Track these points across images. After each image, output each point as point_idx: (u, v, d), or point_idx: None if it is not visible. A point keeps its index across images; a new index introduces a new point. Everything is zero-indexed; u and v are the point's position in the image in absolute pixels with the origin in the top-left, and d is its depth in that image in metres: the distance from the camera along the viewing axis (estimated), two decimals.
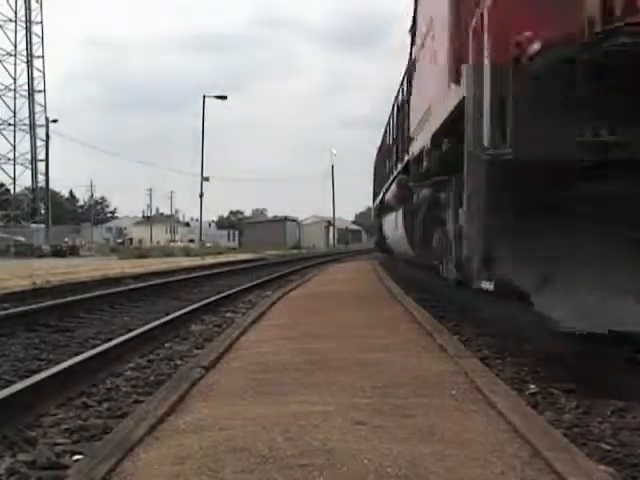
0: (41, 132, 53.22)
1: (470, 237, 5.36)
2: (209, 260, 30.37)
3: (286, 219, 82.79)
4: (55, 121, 50.74)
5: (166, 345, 7.06)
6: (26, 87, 55.37)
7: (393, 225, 15.43)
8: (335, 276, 17.99)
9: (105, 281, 15.63)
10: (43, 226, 51.22)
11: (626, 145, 4.39)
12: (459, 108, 5.41)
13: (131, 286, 13.93)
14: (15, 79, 55.43)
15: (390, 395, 3.90)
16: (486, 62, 4.68)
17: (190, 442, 3.04)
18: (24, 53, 55.55)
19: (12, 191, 57.11)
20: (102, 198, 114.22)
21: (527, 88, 4.48)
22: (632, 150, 4.36)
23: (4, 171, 55.44)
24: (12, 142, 55.37)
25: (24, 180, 57.54)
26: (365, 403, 3.70)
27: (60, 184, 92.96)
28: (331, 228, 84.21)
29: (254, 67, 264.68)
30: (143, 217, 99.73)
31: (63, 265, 24.56)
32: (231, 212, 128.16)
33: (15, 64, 55.38)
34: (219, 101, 50.65)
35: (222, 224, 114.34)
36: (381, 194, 17.93)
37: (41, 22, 56.27)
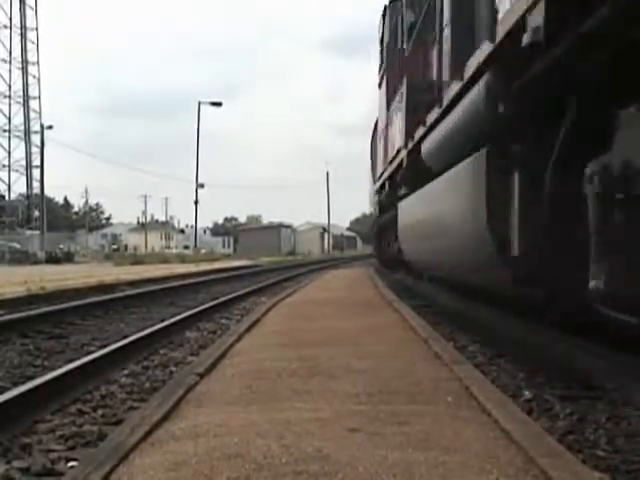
0: (36, 139, 53.34)
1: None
2: (204, 267, 30.35)
3: (281, 225, 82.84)
4: (50, 127, 50.86)
5: (161, 352, 7.06)
6: (21, 94, 55.40)
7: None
8: (330, 283, 17.99)
9: (100, 288, 15.61)
10: (38, 233, 51.19)
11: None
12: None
13: (126, 292, 13.93)
14: (10, 86, 55.49)
15: (385, 402, 3.90)
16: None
17: (185, 449, 3.04)
18: (19, 59, 55.60)
19: (7, 198, 57.08)
20: (97, 204, 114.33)
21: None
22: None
23: None
24: (7, 149, 55.40)
25: (19, 187, 57.60)
26: (360, 410, 3.70)
27: (55, 191, 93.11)
28: (326, 234, 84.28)
29: (252, 75, 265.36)
30: (138, 224, 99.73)
31: (58, 272, 24.53)
32: (226, 219, 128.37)
33: (10, 70, 55.46)
34: (216, 108, 50.79)
35: (217, 231, 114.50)
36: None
37: (36, 28, 56.38)
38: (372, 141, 23.25)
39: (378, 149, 16.94)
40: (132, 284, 17.37)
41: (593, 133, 4.33)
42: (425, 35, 9.10)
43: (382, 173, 15.15)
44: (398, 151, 11.13)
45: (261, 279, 21.29)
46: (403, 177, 11.22)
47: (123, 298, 12.68)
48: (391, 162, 12.62)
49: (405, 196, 10.80)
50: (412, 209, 9.85)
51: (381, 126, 15.74)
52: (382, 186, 15.46)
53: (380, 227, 19.59)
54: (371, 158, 23.79)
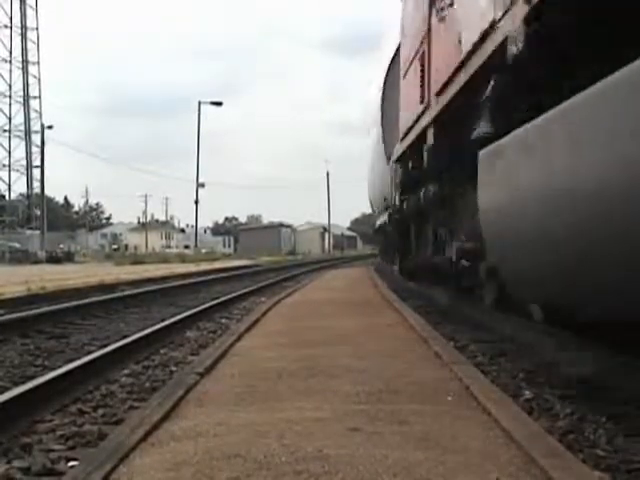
0: (36, 138, 53.34)
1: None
2: (204, 267, 30.35)
3: (281, 225, 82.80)
4: (50, 127, 50.82)
5: (161, 351, 7.05)
6: (21, 93, 55.41)
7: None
8: (330, 283, 17.99)
9: (100, 287, 15.61)
10: (38, 232, 51.19)
11: None
12: None
13: (126, 292, 13.93)
14: (10, 85, 55.49)
15: (385, 401, 3.90)
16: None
17: (185, 448, 3.04)
18: (20, 59, 55.61)
19: (7, 197, 57.10)
20: (97, 204, 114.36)
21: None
22: None
23: None
24: (7, 148, 55.42)
25: (19, 186, 57.67)
26: (360, 409, 3.71)
27: (55, 190, 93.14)
28: (326, 234, 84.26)
29: (252, 74, 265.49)
30: (138, 223, 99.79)
31: (58, 271, 24.54)
32: (226, 218, 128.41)
33: (10, 70, 55.47)
34: (217, 108, 50.89)
35: (217, 230, 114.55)
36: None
37: (36, 28, 56.37)
38: (384, 92, 15.93)
39: (405, 89, 9.96)
40: (132, 284, 17.36)
41: None
42: None
43: (416, 120, 8.47)
44: (487, 33, 5.01)
45: (261, 279, 21.29)
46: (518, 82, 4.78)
47: (123, 298, 12.67)
48: (449, 83, 6.41)
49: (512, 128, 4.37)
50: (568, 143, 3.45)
51: (415, 41, 8.96)
52: (414, 145, 8.89)
53: (405, 215, 11.46)
54: (382, 123, 15.98)
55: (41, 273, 21.39)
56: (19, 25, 55.68)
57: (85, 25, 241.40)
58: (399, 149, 10.68)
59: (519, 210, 4.21)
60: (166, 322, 8.67)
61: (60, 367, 5.53)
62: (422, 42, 8.19)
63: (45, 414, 4.38)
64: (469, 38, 5.66)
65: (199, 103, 49.76)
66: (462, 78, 5.92)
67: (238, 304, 12.61)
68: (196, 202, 50.55)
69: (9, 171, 55.55)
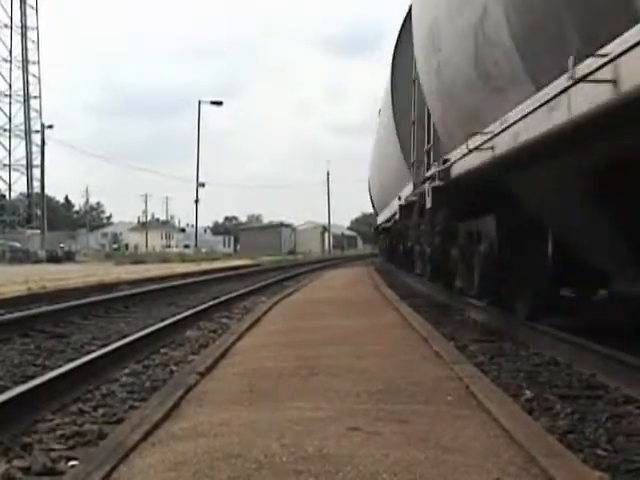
0: (37, 138, 53.28)
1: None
2: (204, 266, 30.34)
3: (281, 225, 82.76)
4: (50, 127, 50.80)
5: (162, 351, 7.05)
6: (22, 93, 55.36)
7: None
8: (330, 282, 17.98)
9: (101, 287, 15.62)
10: (38, 232, 51.15)
11: None
12: None
13: (127, 292, 13.93)
14: (11, 85, 55.43)
15: (385, 401, 3.90)
16: None
17: (186, 448, 3.03)
18: (20, 59, 55.55)
19: (8, 197, 57.05)
20: (97, 204, 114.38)
21: None
22: None
23: None
24: (7, 148, 55.38)
25: (20, 186, 57.59)
26: (361, 409, 3.70)
27: (56, 190, 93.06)
28: (327, 234, 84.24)
29: (252, 74, 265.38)
30: (139, 223, 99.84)
31: (59, 271, 24.53)
32: (226, 218, 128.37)
33: (10, 70, 55.41)
34: (217, 108, 50.98)
35: (217, 230, 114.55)
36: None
37: (36, 28, 56.31)
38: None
39: None
40: (133, 283, 17.37)
41: None
42: None
43: None
44: None
45: (261, 278, 21.28)
46: None
47: (124, 297, 12.67)
48: None
49: None
50: None
51: None
52: None
53: None
54: None
55: (41, 273, 21.38)
56: (19, 24, 55.63)
57: (85, 25, 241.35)
58: None
59: None
60: (167, 321, 8.67)
61: (60, 366, 5.53)
62: None
63: (45, 414, 4.38)
64: None
65: (199, 103, 49.86)
66: None
67: (238, 303, 12.61)
68: (196, 202, 50.62)
69: (9, 171, 55.50)
